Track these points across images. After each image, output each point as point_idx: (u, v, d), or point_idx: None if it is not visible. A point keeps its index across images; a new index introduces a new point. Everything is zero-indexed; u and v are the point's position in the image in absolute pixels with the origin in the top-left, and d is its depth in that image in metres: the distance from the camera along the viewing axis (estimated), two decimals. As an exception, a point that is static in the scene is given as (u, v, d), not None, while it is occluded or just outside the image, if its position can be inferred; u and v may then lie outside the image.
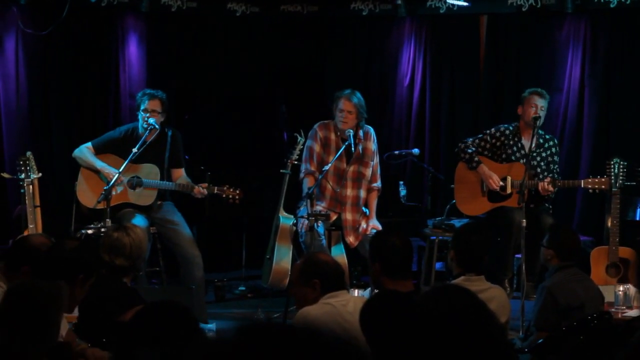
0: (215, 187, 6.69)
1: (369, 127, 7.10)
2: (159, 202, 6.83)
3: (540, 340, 4.80)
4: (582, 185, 6.90)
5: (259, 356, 1.48)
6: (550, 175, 7.18)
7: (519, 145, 7.23)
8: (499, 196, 7.23)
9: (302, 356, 1.49)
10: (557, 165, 7.33)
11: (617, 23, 8.03)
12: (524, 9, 8.21)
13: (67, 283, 3.76)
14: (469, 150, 7.29)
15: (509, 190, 7.18)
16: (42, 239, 4.52)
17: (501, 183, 7.20)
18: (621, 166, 6.77)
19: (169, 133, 6.70)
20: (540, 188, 6.96)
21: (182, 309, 2.68)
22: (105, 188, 6.41)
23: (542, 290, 5.18)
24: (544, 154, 7.31)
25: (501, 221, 7.09)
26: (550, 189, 6.96)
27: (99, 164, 6.77)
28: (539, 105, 7.16)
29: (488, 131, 7.40)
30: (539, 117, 7.11)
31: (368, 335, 3.23)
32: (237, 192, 6.73)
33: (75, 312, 4.45)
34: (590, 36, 8.10)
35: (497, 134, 7.34)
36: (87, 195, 6.81)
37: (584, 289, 5.20)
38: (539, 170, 7.19)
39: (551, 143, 7.36)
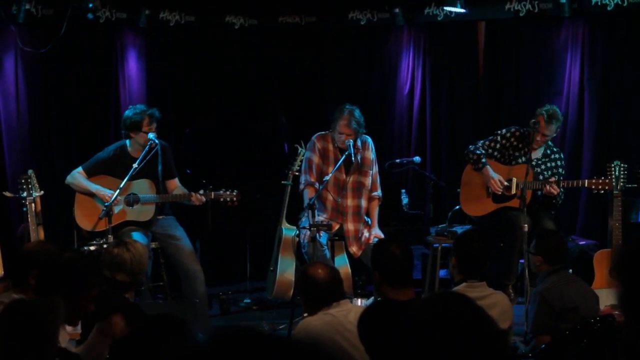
0: (213, 192, 6.72)
1: (367, 136, 7.09)
2: (159, 217, 6.84)
3: (543, 345, 4.80)
4: (586, 185, 6.88)
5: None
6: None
7: (526, 150, 7.17)
8: (504, 197, 7.22)
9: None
10: (561, 177, 7.29)
11: (614, 26, 8.02)
12: (521, 14, 8.22)
13: (64, 296, 3.74)
14: (478, 152, 7.29)
15: (513, 191, 7.16)
16: (37, 243, 4.52)
17: (506, 183, 7.19)
18: (622, 168, 6.74)
19: (158, 146, 6.71)
20: (545, 190, 6.94)
21: (178, 322, 2.68)
22: (106, 204, 6.42)
23: (535, 296, 5.21)
24: (549, 164, 7.28)
25: (505, 225, 7.06)
26: (555, 188, 6.93)
27: (93, 187, 6.75)
28: (548, 135, 7.11)
29: (499, 132, 7.37)
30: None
31: (366, 344, 3.24)
32: (235, 194, 6.74)
33: (79, 329, 4.47)
34: (588, 39, 8.10)
35: (508, 135, 7.31)
36: (85, 219, 6.80)
37: (576, 291, 5.22)
38: (541, 178, 7.17)
39: (557, 156, 7.33)
